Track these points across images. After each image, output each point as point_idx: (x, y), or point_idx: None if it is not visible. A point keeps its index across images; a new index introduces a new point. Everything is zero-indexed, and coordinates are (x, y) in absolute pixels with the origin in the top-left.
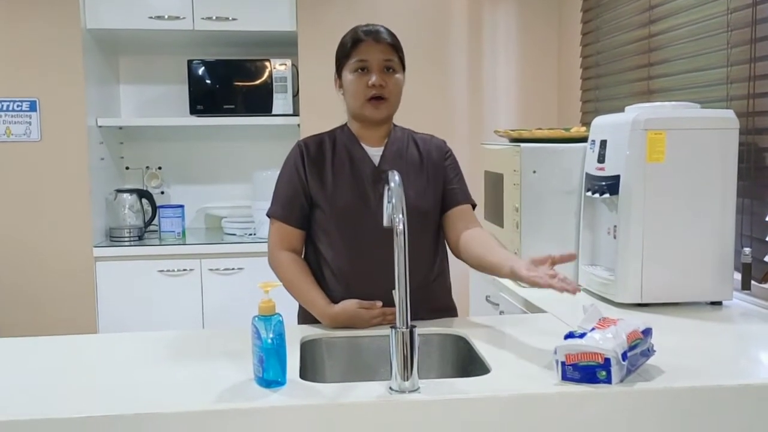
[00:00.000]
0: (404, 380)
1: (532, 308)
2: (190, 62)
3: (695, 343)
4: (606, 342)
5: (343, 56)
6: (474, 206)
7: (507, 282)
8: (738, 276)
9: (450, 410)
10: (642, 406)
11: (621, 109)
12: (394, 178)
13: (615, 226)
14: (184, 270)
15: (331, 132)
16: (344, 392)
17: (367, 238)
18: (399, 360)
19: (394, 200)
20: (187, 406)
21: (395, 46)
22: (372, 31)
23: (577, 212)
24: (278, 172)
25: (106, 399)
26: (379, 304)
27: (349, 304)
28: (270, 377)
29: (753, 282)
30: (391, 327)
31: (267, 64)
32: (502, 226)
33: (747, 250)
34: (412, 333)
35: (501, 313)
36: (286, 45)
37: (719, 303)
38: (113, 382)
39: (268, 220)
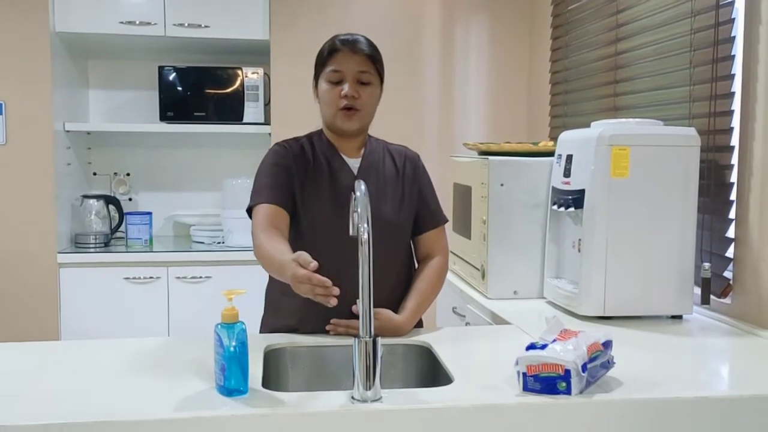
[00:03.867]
0: (366, 389)
1: (498, 320)
2: (161, 68)
3: (655, 355)
4: (567, 353)
5: (320, 64)
6: (445, 222)
7: (474, 294)
8: (698, 290)
9: (411, 420)
10: (601, 418)
11: (588, 125)
12: (360, 187)
13: (580, 240)
14: (151, 278)
15: (308, 137)
16: (306, 401)
17: (343, 250)
18: (361, 369)
19: (359, 209)
20: (146, 415)
21: (373, 57)
22: (350, 41)
23: (543, 225)
24: (249, 180)
25: (63, 406)
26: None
27: (299, 258)
28: (231, 386)
29: (712, 296)
30: (354, 336)
31: (239, 72)
32: (469, 238)
33: (707, 265)
34: (375, 343)
35: (467, 324)
36: (258, 53)
37: (680, 317)
38: (72, 390)
39: (237, 228)
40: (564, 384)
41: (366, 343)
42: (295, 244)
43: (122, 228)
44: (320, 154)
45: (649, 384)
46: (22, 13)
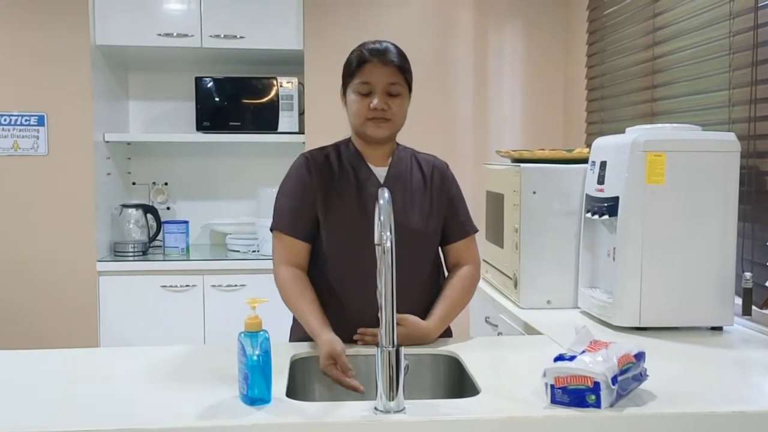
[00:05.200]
0: (389, 400)
1: (530, 330)
2: (197, 79)
3: (692, 368)
4: (596, 365)
5: (348, 75)
6: (475, 231)
7: (506, 303)
8: (738, 301)
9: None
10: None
11: (624, 131)
12: (384, 194)
13: (614, 248)
14: (187, 286)
15: (335, 146)
16: (329, 411)
17: (370, 260)
18: (384, 380)
19: (382, 217)
20: (168, 423)
21: (402, 68)
22: (379, 51)
23: (577, 234)
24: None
25: (90, 413)
26: (355, 383)
27: (333, 349)
28: (255, 395)
29: (753, 307)
30: (377, 346)
31: (273, 81)
32: (502, 246)
33: (748, 274)
34: (398, 353)
35: (499, 334)
36: (292, 63)
37: (719, 328)
38: (99, 396)
39: (271, 236)
40: (593, 397)
41: (389, 353)
42: (321, 253)
43: (160, 236)
44: (346, 163)
45: (684, 398)
46: (64, 27)
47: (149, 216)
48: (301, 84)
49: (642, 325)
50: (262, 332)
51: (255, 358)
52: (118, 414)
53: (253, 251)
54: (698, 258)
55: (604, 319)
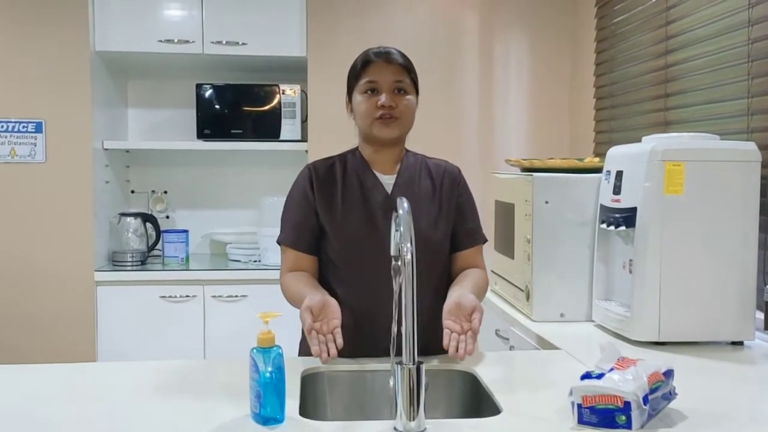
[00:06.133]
0: (410, 420)
1: (545, 344)
2: (198, 86)
3: (717, 385)
4: (626, 384)
5: (353, 78)
6: (484, 242)
7: (518, 316)
8: (760, 315)
9: None
10: None
11: (637, 140)
12: (403, 205)
13: (631, 260)
14: (187, 296)
15: (341, 156)
16: None
17: (378, 271)
18: (405, 398)
19: (402, 228)
20: None
21: (407, 68)
22: (383, 53)
23: (591, 245)
24: (285, 198)
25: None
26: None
27: (313, 304)
28: (267, 414)
29: None
30: (397, 363)
31: (276, 89)
32: (512, 257)
33: None
34: (419, 369)
35: (511, 348)
36: (295, 70)
37: (740, 343)
38: (104, 414)
39: (273, 246)
40: (624, 417)
41: (409, 369)
42: (327, 265)
43: (159, 246)
44: (352, 173)
45: (715, 418)
46: (63, 32)
47: (148, 225)
48: (303, 92)
49: (661, 340)
50: (275, 347)
51: (268, 375)
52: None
53: (255, 261)
54: (718, 271)
55: (621, 333)
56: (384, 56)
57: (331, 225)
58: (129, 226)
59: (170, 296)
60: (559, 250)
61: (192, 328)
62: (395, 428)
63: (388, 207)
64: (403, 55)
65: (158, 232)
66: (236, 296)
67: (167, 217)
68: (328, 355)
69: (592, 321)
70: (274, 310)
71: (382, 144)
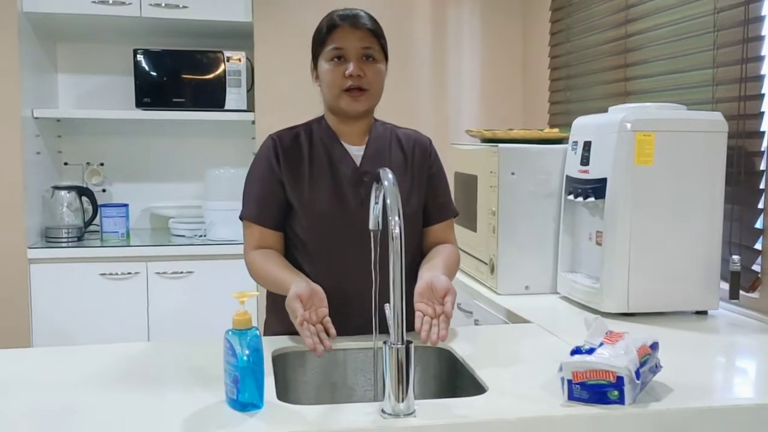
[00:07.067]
0: (399, 402)
1: (514, 318)
2: (136, 52)
3: (690, 356)
4: (618, 359)
5: (318, 44)
6: (456, 215)
7: (481, 289)
8: (725, 285)
9: None
10: (660, 429)
11: (594, 111)
12: (387, 176)
13: (598, 232)
14: (129, 273)
15: (306, 125)
16: (331, 416)
17: (347, 247)
18: (393, 379)
19: (388, 201)
20: None
21: (376, 33)
22: (349, 16)
23: (556, 216)
24: (232, 170)
25: (53, 427)
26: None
27: (302, 292)
28: (245, 399)
29: (741, 291)
30: (385, 342)
31: (220, 56)
32: (475, 230)
33: (736, 257)
34: (408, 349)
35: (476, 322)
36: (240, 37)
37: (704, 312)
38: (55, 407)
39: (220, 220)
40: (616, 393)
41: (398, 350)
42: (293, 241)
43: (96, 221)
44: (319, 144)
45: (699, 389)
46: None
47: (84, 199)
48: (249, 59)
49: (630, 311)
50: (252, 329)
51: (245, 358)
52: (85, 427)
53: (200, 236)
54: (685, 241)
55: (589, 305)
56: (350, 20)
57: (299, 200)
58: (63, 200)
59: (111, 273)
60: (524, 222)
61: (135, 307)
62: (383, 410)
63: (357, 180)
64: (372, 18)
65: (95, 207)
66: (181, 272)
67: (104, 190)
68: (324, 348)
69: (557, 293)
70: (223, 285)
71: (350, 117)
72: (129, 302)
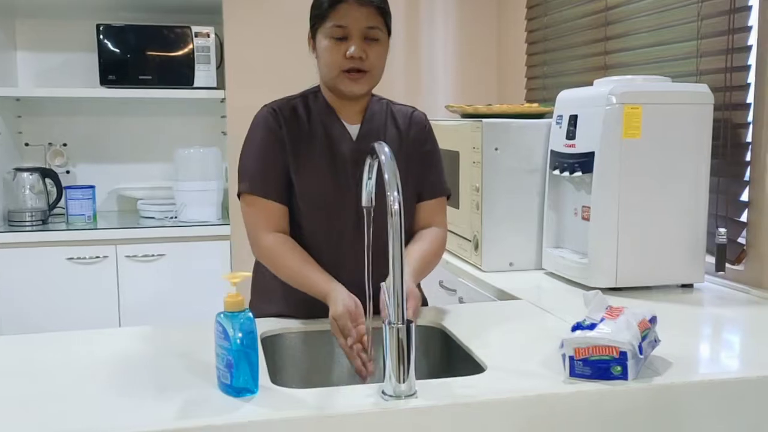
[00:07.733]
0: (400, 383)
1: (502, 295)
2: (99, 27)
3: (680, 329)
4: (620, 334)
5: (318, 16)
6: (448, 195)
7: (465, 266)
8: (710, 258)
9: (456, 416)
10: (666, 403)
11: (572, 86)
12: (384, 150)
13: (584, 207)
14: (97, 257)
15: (302, 96)
16: (330, 399)
17: (341, 226)
18: (394, 360)
19: (386, 176)
20: (144, 425)
21: (382, 9)
22: None
23: (540, 192)
24: (202, 150)
25: (36, 419)
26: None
27: (350, 309)
28: (240, 384)
29: (727, 264)
30: (384, 322)
31: (188, 31)
32: (458, 207)
33: (722, 230)
34: (408, 329)
35: (461, 300)
36: (208, 11)
37: (690, 286)
38: (39, 393)
39: (191, 201)
40: (619, 368)
41: (398, 329)
42: (291, 219)
43: (61, 204)
44: (316, 118)
45: (697, 362)
46: None
47: (48, 181)
48: (217, 35)
49: (618, 286)
50: (245, 311)
51: (239, 341)
52: (74, 419)
53: (172, 218)
54: (671, 215)
55: (576, 280)
56: None
57: (296, 174)
58: (25, 183)
59: (78, 258)
60: (508, 198)
61: (105, 291)
62: (383, 391)
63: (354, 158)
64: None
65: (59, 189)
66: (153, 255)
67: (68, 172)
68: (368, 372)
69: (542, 269)
70: (196, 268)
71: (348, 98)
72: (98, 287)
